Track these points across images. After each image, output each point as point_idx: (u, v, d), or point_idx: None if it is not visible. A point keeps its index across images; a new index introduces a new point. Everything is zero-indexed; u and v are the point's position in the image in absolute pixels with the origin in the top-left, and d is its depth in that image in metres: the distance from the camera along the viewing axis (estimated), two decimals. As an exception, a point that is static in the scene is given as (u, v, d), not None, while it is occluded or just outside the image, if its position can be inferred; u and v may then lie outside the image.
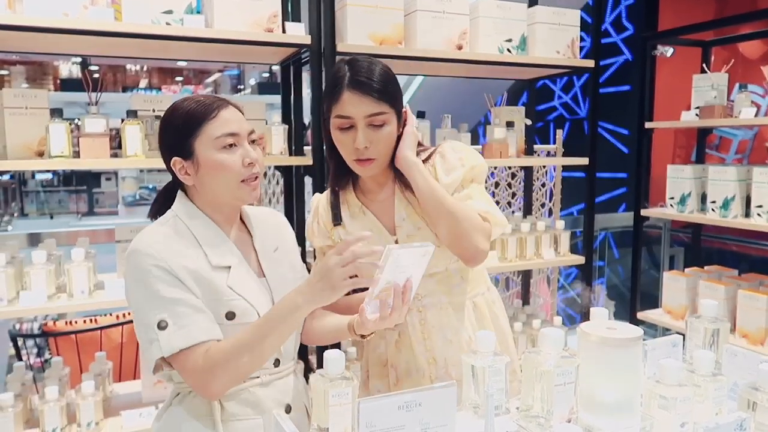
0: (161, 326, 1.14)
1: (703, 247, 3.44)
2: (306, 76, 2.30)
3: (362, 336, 1.26)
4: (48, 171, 9.01)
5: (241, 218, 1.35)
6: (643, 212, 3.00)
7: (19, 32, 1.79)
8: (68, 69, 12.62)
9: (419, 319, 1.47)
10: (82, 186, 10.16)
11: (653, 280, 3.96)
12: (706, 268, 2.98)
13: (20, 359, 2.54)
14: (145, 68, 14.45)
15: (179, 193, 1.30)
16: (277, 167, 2.46)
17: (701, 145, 3.28)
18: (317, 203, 1.57)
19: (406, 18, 2.24)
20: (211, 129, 1.20)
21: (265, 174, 2.97)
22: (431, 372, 1.46)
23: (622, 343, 1.01)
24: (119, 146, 1.99)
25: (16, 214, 9.63)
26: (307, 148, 2.28)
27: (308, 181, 2.29)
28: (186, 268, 1.18)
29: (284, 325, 1.16)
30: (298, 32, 2.06)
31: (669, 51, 4.14)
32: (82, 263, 1.93)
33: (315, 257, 1.64)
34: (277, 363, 1.28)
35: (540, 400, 1.02)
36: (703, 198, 2.80)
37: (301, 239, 2.07)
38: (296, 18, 2.30)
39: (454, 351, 1.46)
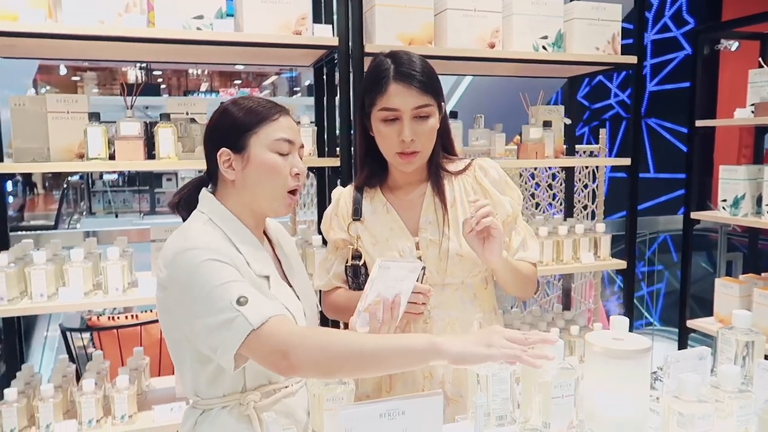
0: (241, 302, 1.06)
1: (762, 252, 3.23)
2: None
3: None
4: (114, 172, 9.44)
5: None
6: (693, 215, 2.85)
7: (58, 40, 1.88)
8: (135, 74, 13.20)
9: (422, 330, 1.43)
10: (145, 186, 10.60)
11: (712, 287, 3.75)
12: (763, 274, 2.80)
13: (69, 352, 2.67)
14: (206, 72, 14.96)
15: (205, 193, 1.26)
16: (310, 169, 2.48)
17: (759, 145, 3.08)
18: (339, 195, 1.55)
19: (437, 17, 2.21)
20: (272, 130, 1.20)
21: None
22: (426, 386, 1.41)
23: (628, 355, 0.96)
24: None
25: (84, 213, 10.14)
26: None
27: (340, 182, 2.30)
28: (241, 268, 1.15)
29: (410, 364, 1.06)
30: (326, 34, 2.07)
31: (734, 45, 3.91)
32: (117, 261, 2.00)
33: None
34: None
35: (538, 412, 0.98)
36: (759, 200, 2.63)
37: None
38: (327, 20, 2.31)
39: (452, 368, 1.40)
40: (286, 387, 1.23)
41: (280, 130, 1.20)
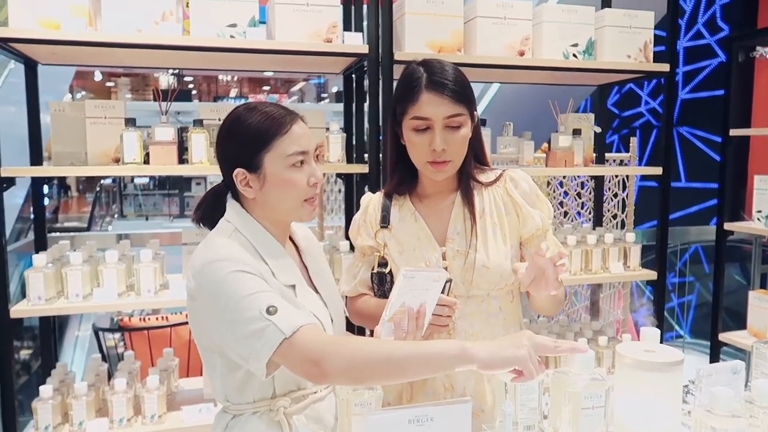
0: (271, 311, 1.07)
1: (798, 265, 3.15)
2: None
3: None
4: (145, 176, 9.62)
5: None
6: (727, 226, 2.79)
7: (97, 48, 1.93)
8: (167, 80, 13.45)
9: None
10: (175, 190, 10.79)
11: (746, 300, 3.67)
12: (799, 288, 2.73)
13: (101, 351, 2.73)
14: (235, 78, 15.17)
15: (232, 202, 1.25)
16: (338, 175, 2.51)
17: (797, 154, 3.01)
18: (368, 202, 1.54)
19: (466, 25, 2.21)
20: (284, 145, 1.17)
21: (327, 181, 3.03)
22: (446, 397, 1.39)
23: (660, 368, 0.95)
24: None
25: (116, 216, 10.36)
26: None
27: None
28: (268, 279, 1.16)
29: (437, 369, 1.05)
30: (356, 42, 2.09)
31: (770, 52, 3.84)
32: (149, 264, 2.04)
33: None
34: None
35: (567, 422, 0.97)
36: (795, 212, 2.57)
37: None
38: (358, 28, 2.33)
39: (474, 382, 1.40)
40: (315, 393, 1.23)
41: (294, 144, 1.18)
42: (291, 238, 1.35)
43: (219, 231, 1.22)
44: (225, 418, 1.22)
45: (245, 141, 1.18)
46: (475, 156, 1.47)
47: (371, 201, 1.54)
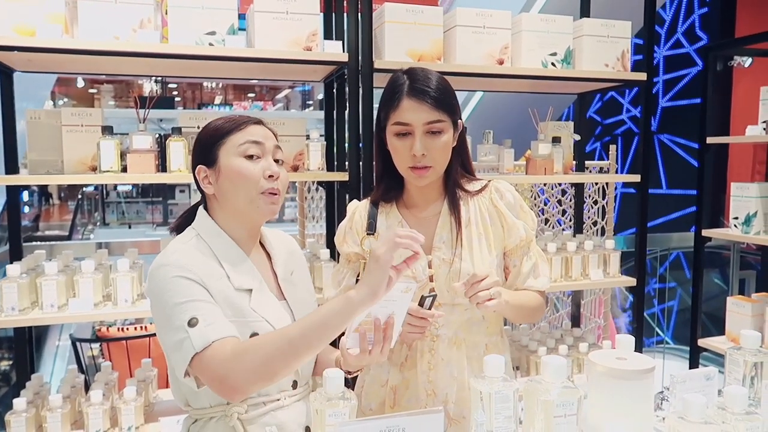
0: (192, 323, 1.11)
1: (776, 270, 3.19)
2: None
3: (348, 372, 1.23)
4: (126, 183, 9.55)
5: (260, 240, 1.36)
6: (705, 233, 2.83)
7: (75, 55, 1.92)
8: (150, 87, 13.38)
9: (429, 348, 1.43)
10: (158, 197, 10.72)
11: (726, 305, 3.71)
12: (776, 293, 2.76)
13: (78, 362, 2.69)
14: (220, 85, 15.13)
15: (200, 210, 1.30)
16: (319, 183, 2.50)
17: (773, 162, 3.06)
18: (354, 209, 1.56)
19: (446, 34, 2.23)
20: (236, 137, 1.23)
21: (309, 189, 3.02)
22: (428, 404, 1.41)
23: (630, 375, 0.95)
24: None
25: (98, 224, 10.25)
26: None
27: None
28: (212, 284, 1.18)
29: (333, 327, 1.08)
30: (336, 50, 2.10)
31: (747, 61, 3.89)
32: (127, 273, 2.02)
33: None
34: (294, 385, 1.28)
35: (540, 431, 0.97)
36: (771, 218, 2.61)
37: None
38: (338, 36, 2.34)
39: (456, 389, 1.41)
40: (277, 400, 1.24)
41: (245, 135, 1.23)
42: (262, 244, 1.35)
43: (180, 236, 1.27)
44: (188, 423, 1.26)
45: (206, 140, 1.25)
46: (462, 165, 1.48)
47: (358, 208, 1.55)
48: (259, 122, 1.27)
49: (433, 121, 1.36)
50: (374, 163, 1.52)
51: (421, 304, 1.31)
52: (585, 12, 2.70)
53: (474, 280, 1.28)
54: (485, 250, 1.43)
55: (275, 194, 1.25)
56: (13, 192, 2.22)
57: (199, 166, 1.25)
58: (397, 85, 1.39)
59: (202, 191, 1.29)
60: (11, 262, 2.01)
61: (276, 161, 1.26)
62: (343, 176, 2.19)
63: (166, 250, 1.21)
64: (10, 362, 4.41)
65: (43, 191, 11.52)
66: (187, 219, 1.33)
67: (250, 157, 1.22)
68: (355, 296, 1.06)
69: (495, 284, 1.29)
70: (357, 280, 1.49)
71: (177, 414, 2.12)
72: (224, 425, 1.20)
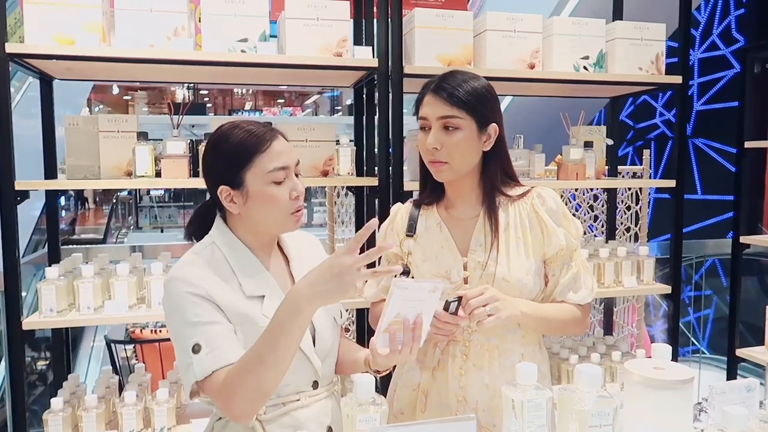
0: (195, 350, 1.15)
1: (818, 279, 3.09)
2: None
3: (377, 371, 1.23)
4: (159, 188, 9.71)
5: (278, 243, 1.36)
6: (743, 239, 2.75)
7: (111, 63, 1.96)
8: (182, 94, 13.63)
9: (461, 353, 1.42)
10: (190, 202, 10.89)
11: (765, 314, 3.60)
12: (818, 303, 2.67)
13: (113, 363, 2.74)
14: (250, 91, 15.34)
15: (218, 218, 1.30)
16: (348, 188, 2.51)
17: (814, 167, 2.97)
18: (396, 211, 1.60)
19: (476, 38, 2.22)
20: (264, 162, 1.21)
21: (338, 194, 3.03)
22: (459, 410, 1.40)
23: (669, 385, 0.93)
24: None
25: (132, 228, 10.46)
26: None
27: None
28: (221, 297, 1.19)
29: (290, 331, 1.09)
30: (366, 56, 2.10)
31: (786, 62, 3.78)
32: (160, 276, 2.05)
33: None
34: (315, 385, 1.28)
35: (574, 441, 0.95)
36: (813, 225, 2.52)
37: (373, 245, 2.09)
38: (368, 42, 2.35)
39: (488, 396, 1.39)
40: (297, 400, 1.24)
41: (274, 160, 1.21)
42: (280, 247, 1.37)
43: (197, 245, 1.29)
44: (213, 419, 1.30)
45: (227, 158, 1.22)
46: (503, 169, 1.47)
47: (400, 210, 1.59)
48: (277, 134, 1.25)
49: (447, 116, 1.37)
50: (419, 166, 1.53)
51: (446, 309, 1.30)
52: (618, 14, 2.66)
53: (464, 301, 1.29)
54: (522, 256, 1.42)
55: (299, 210, 1.27)
56: (52, 196, 2.28)
57: (223, 186, 1.23)
58: (428, 84, 1.44)
59: (215, 202, 1.29)
60: (50, 265, 2.06)
61: (296, 175, 1.28)
62: (373, 181, 2.19)
63: (180, 262, 1.24)
64: (47, 362, 4.52)
65: (80, 196, 11.82)
66: (200, 225, 1.33)
67: (279, 182, 1.22)
68: (306, 306, 1.08)
69: (491, 299, 1.29)
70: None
71: (208, 416, 2.14)
72: (243, 426, 1.21)
